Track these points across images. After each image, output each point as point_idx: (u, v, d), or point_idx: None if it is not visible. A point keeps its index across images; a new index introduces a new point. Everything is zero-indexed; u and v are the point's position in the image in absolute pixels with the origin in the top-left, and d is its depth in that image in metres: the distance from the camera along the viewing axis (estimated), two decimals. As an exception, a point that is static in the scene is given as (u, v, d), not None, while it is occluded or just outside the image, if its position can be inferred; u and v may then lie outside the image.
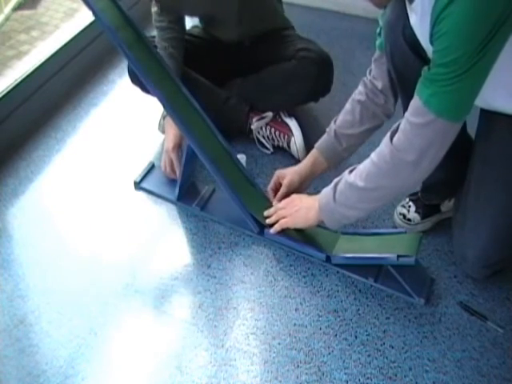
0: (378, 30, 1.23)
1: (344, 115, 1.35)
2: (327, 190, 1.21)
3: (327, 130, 1.38)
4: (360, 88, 1.33)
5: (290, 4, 2.11)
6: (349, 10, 2.28)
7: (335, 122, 1.36)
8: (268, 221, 1.35)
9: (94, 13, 1.25)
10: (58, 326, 1.24)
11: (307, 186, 1.44)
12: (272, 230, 1.34)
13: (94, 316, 1.26)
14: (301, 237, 1.37)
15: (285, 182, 1.41)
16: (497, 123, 1.16)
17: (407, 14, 1.07)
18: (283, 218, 1.32)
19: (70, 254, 1.39)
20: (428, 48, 1.01)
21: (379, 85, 1.27)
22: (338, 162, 1.41)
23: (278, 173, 1.45)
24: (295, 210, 1.29)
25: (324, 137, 1.38)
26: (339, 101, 1.37)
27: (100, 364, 1.17)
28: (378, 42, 1.24)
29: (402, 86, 1.21)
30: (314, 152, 1.40)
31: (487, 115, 1.17)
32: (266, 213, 1.36)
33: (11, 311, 1.26)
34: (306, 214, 1.27)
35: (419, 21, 1.00)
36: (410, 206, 1.42)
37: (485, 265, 1.25)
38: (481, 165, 1.19)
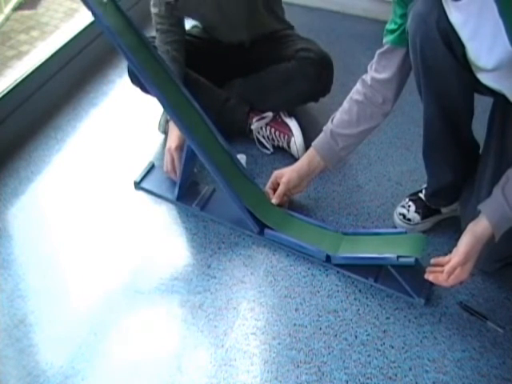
0: (391, 26, 1.20)
1: (341, 114, 1.34)
2: (493, 205, 1.08)
3: (324, 128, 1.38)
4: (358, 87, 1.32)
5: (290, 4, 2.11)
6: (349, 10, 2.27)
7: (332, 120, 1.36)
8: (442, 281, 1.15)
9: (96, 16, 1.25)
10: (58, 326, 1.24)
11: (307, 184, 1.45)
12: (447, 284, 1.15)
13: (94, 316, 1.26)
14: (303, 237, 1.37)
15: (283, 180, 1.41)
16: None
17: (442, 7, 1.06)
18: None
19: (69, 254, 1.39)
20: (481, 50, 1.03)
21: (383, 76, 1.26)
22: (336, 162, 1.41)
23: (276, 173, 1.45)
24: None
25: (321, 136, 1.39)
26: (339, 101, 1.37)
27: (100, 364, 1.17)
28: (391, 38, 1.21)
29: (427, 79, 1.18)
30: (310, 151, 1.41)
31: (501, 111, 1.18)
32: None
33: (11, 311, 1.26)
34: (478, 251, 1.11)
35: (474, 21, 1.00)
36: (409, 206, 1.42)
37: (497, 259, 1.26)
38: (497, 158, 1.19)
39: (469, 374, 1.15)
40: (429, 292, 1.28)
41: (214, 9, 1.57)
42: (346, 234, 1.37)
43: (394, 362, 1.17)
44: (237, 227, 1.43)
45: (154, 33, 1.59)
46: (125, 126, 1.79)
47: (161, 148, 1.68)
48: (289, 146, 1.62)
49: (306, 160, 1.41)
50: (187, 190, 1.51)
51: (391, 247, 1.26)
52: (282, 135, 1.62)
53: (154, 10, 1.57)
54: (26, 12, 2.39)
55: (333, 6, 2.30)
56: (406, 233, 1.31)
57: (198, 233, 1.44)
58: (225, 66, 1.72)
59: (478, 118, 1.28)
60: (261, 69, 1.66)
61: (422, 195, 1.43)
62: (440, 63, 1.12)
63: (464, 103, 1.21)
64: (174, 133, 1.50)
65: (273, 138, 1.64)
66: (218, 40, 1.69)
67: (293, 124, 1.62)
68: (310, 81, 1.60)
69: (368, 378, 1.14)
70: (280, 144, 1.64)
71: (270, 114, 1.64)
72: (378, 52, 1.26)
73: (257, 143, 1.67)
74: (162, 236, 1.44)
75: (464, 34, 1.05)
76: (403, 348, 1.19)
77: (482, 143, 1.30)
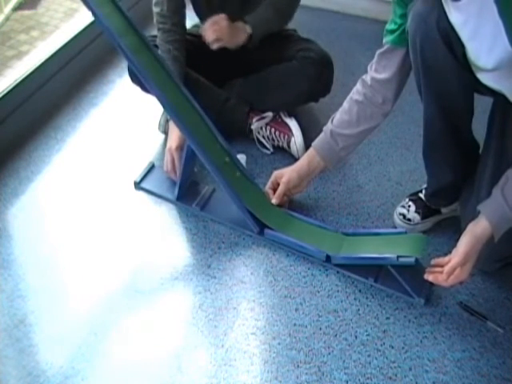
0: (391, 26, 1.20)
1: (341, 114, 1.35)
2: (493, 205, 1.08)
3: (324, 128, 1.38)
4: (358, 87, 1.32)
5: (290, 4, 2.11)
6: (349, 10, 2.28)
7: (332, 120, 1.36)
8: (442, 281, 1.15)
9: (98, 19, 1.25)
10: (58, 326, 1.24)
11: (307, 184, 1.45)
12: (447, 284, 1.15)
13: (94, 316, 1.26)
14: (303, 237, 1.36)
15: (283, 180, 1.41)
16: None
17: (442, 7, 1.06)
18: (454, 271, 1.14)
19: (69, 254, 1.39)
20: (481, 50, 1.03)
21: (383, 76, 1.26)
22: (336, 162, 1.41)
23: (276, 173, 1.46)
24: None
25: (321, 136, 1.39)
26: (339, 101, 1.37)
27: (100, 364, 1.17)
28: (391, 38, 1.21)
29: (427, 79, 1.18)
30: (310, 151, 1.41)
31: (501, 111, 1.18)
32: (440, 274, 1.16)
33: (11, 311, 1.26)
34: (478, 252, 1.12)
35: (474, 22, 1.00)
36: (409, 206, 1.42)
37: (497, 259, 1.26)
38: (497, 158, 1.19)
39: (469, 374, 1.15)
40: (429, 292, 1.28)
41: None
42: (346, 234, 1.37)
43: (394, 361, 1.17)
44: (237, 227, 1.43)
45: (154, 32, 1.59)
46: (125, 126, 1.79)
47: (161, 148, 1.68)
48: (289, 146, 1.62)
49: (306, 160, 1.41)
50: (187, 189, 1.51)
51: (391, 247, 1.26)
52: (282, 135, 1.62)
53: (155, 10, 1.57)
54: (26, 12, 2.39)
55: (333, 6, 2.30)
56: (406, 233, 1.31)
57: (198, 233, 1.44)
58: (225, 65, 1.71)
59: (478, 118, 1.28)
60: (261, 69, 1.66)
61: (422, 195, 1.43)
62: (440, 63, 1.12)
63: (464, 103, 1.21)
64: (174, 133, 1.50)
65: (273, 138, 1.64)
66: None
67: (293, 124, 1.62)
68: (310, 81, 1.60)
69: (368, 378, 1.14)
70: (280, 144, 1.64)
71: (270, 114, 1.64)
72: (378, 52, 1.27)
73: (257, 143, 1.67)
74: (162, 236, 1.44)
75: (464, 34, 1.05)
76: (403, 348, 1.19)
77: (481, 143, 1.30)
